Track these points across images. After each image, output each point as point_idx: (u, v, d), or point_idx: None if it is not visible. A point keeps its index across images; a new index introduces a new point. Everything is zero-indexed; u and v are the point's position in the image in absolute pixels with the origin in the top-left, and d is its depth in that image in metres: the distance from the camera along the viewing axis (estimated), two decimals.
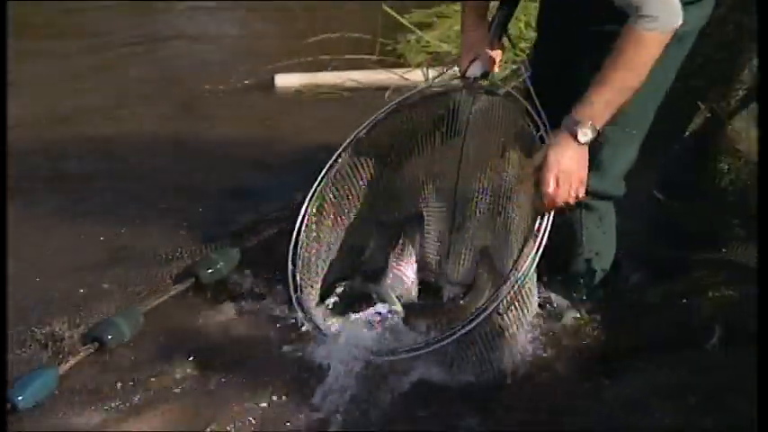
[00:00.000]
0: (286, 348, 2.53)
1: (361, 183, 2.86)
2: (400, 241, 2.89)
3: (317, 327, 2.56)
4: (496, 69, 2.74)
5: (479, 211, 2.77)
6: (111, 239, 3.12)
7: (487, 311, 2.31)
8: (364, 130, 2.78)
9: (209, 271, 2.81)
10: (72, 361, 2.50)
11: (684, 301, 2.63)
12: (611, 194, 2.59)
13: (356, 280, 2.85)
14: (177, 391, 2.38)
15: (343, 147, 2.78)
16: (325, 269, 2.83)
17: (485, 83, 2.71)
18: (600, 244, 2.67)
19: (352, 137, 2.77)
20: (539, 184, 2.32)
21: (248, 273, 2.90)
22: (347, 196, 2.85)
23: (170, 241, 3.09)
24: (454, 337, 2.33)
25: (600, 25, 2.41)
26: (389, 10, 4.37)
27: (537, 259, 2.27)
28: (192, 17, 5.17)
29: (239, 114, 3.98)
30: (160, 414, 2.30)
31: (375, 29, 4.34)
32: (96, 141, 3.74)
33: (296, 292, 2.64)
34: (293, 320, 2.60)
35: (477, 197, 2.77)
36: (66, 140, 3.76)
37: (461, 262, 2.84)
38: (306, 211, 2.74)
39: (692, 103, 3.06)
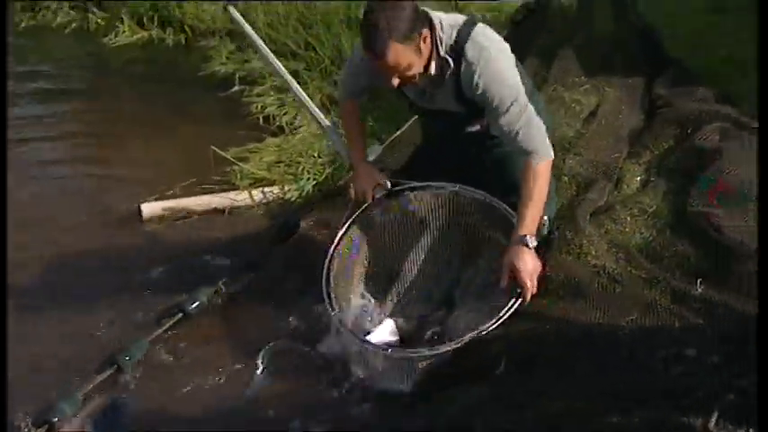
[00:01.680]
0: None
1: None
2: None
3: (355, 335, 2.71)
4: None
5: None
6: None
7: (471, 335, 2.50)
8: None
9: (128, 358, 2.90)
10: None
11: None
12: None
13: None
14: None
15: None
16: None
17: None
18: None
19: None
20: (517, 285, 2.54)
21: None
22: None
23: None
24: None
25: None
26: (216, 148, 4.52)
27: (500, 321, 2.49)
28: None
29: (116, 240, 3.95)
30: None
31: (207, 161, 4.49)
32: None
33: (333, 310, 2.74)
34: None
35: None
36: None
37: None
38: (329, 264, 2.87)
39: None
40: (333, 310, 2.76)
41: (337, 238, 2.95)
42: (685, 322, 2.44)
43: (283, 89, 5.50)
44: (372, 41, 2.46)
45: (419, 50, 2.52)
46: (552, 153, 2.67)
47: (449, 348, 2.56)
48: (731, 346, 2.28)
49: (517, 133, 2.60)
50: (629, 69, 4.18)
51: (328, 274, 2.85)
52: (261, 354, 2.96)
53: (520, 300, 2.56)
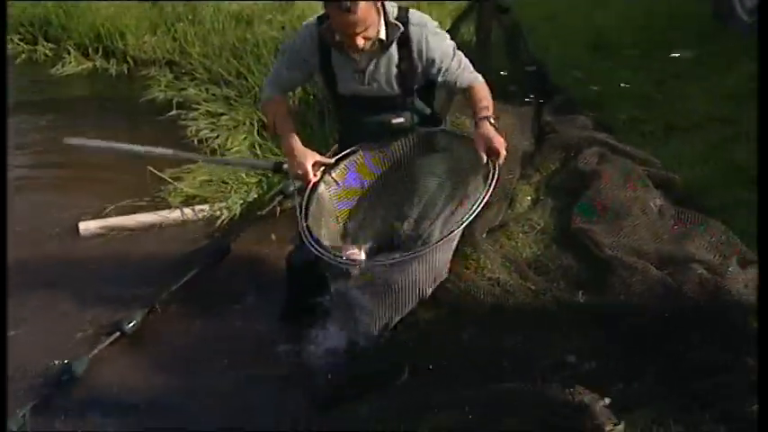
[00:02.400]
0: None
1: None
2: None
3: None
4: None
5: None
6: None
7: (463, 224, 2.43)
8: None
9: (66, 378, 2.75)
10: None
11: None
12: None
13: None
14: None
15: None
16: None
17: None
18: None
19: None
20: (492, 153, 2.51)
21: None
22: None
23: None
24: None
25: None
26: (152, 168, 4.34)
27: (491, 189, 2.48)
28: None
29: (54, 257, 3.74)
30: None
31: (144, 181, 4.31)
32: None
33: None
34: None
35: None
36: None
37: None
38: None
39: None
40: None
41: (301, 222, 2.61)
42: (568, 330, 2.40)
43: (216, 114, 5.38)
44: (348, 2, 2.37)
45: (377, 10, 2.52)
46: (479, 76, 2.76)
47: (434, 244, 2.47)
48: (608, 352, 2.27)
49: (462, 71, 2.69)
50: (521, 99, 4.16)
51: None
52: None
53: (498, 164, 2.54)
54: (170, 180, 4.38)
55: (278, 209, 4.04)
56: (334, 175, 2.83)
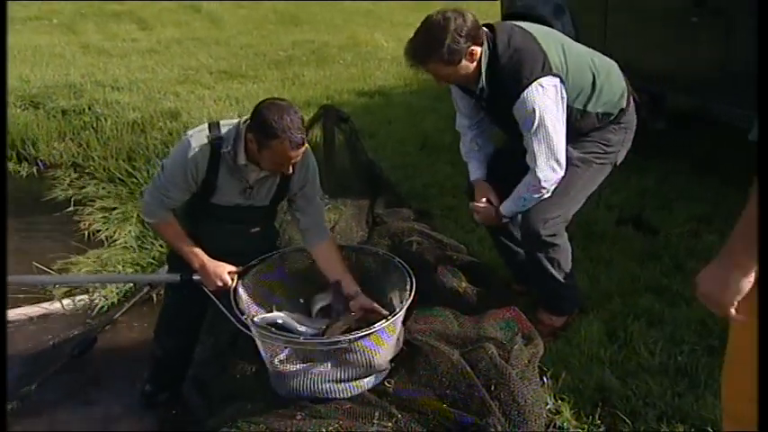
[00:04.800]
0: None
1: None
2: None
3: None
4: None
5: None
6: None
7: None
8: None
9: None
10: None
11: None
12: None
13: None
14: None
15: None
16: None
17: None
18: None
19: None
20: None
21: None
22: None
23: None
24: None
25: None
26: (37, 264, 3.76)
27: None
28: None
29: None
30: None
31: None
32: None
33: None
34: None
35: None
36: None
37: None
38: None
39: None
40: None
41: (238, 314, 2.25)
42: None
43: (109, 208, 4.82)
44: (302, 138, 2.14)
45: None
46: None
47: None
48: None
49: (322, 210, 2.53)
50: (359, 193, 3.88)
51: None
52: None
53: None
54: (53, 272, 3.78)
55: (154, 296, 3.54)
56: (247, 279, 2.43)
